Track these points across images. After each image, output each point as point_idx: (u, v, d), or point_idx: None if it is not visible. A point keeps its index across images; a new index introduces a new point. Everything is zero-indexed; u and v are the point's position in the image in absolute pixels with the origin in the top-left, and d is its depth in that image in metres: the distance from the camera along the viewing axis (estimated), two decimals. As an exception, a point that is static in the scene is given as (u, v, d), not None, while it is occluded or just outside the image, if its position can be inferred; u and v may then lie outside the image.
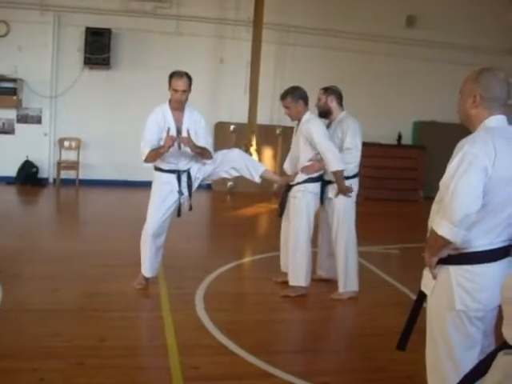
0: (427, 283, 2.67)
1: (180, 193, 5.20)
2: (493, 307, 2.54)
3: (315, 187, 5.38)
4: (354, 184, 5.44)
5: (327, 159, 5.18)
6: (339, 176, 5.24)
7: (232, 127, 12.31)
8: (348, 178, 5.34)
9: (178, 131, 5.12)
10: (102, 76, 11.91)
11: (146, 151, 5.05)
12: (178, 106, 5.13)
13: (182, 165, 5.22)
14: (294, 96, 5.37)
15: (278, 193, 12.37)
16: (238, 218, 9.34)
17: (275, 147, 12.62)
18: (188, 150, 5.11)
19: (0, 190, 10.99)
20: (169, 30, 11.97)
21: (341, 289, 5.40)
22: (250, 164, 5.49)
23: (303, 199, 5.35)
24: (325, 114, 5.55)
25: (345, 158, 5.28)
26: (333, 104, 5.50)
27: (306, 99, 5.41)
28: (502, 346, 1.98)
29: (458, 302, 2.53)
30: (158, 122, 5.12)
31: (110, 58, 11.68)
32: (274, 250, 6.97)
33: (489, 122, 2.56)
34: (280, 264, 5.76)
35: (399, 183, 12.02)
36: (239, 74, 11.99)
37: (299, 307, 5.20)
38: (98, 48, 11.46)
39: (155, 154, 5.05)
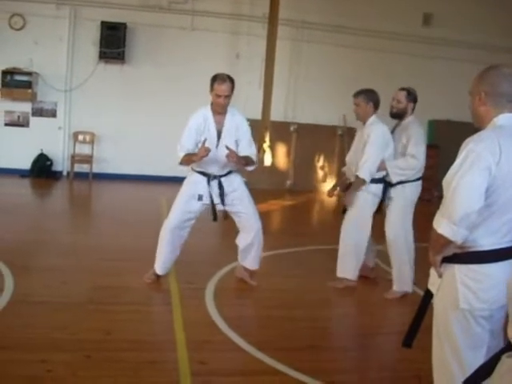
0: (434, 282, 2.65)
1: (200, 197, 5.15)
2: (499, 306, 2.49)
3: (376, 188, 5.40)
4: (416, 187, 5.44)
5: (363, 163, 5.29)
6: (357, 184, 5.34)
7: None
8: (409, 181, 5.37)
9: (219, 134, 5.10)
10: (116, 70, 11.92)
11: (181, 155, 5.05)
12: (220, 111, 5.08)
13: (214, 170, 5.15)
14: (368, 97, 5.44)
15: (291, 190, 12.42)
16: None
17: (289, 144, 12.58)
18: (223, 155, 5.04)
19: (14, 182, 11.04)
20: (184, 25, 11.96)
21: (395, 287, 5.43)
22: (252, 247, 5.40)
23: (361, 198, 5.39)
24: (399, 116, 5.51)
25: (407, 164, 5.32)
26: (409, 110, 5.48)
27: (376, 104, 5.47)
28: (506, 347, 1.94)
29: (462, 300, 2.50)
30: (198, 125, 5.07)
31: (125, 53, 11.68)
32: (285, 246, 6.98)
33: (498, 120, 2.52)
34: None
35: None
36: (254, 70, 11.94)
37: (309, 304, 5.16)
38: (113, 42, 11.46)
39: (188, 160, 5.04)
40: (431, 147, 12.76)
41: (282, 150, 12.59)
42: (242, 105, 12.23)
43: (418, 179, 5.43)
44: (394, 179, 5.37)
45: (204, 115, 5.09)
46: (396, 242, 5.41)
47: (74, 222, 8.56)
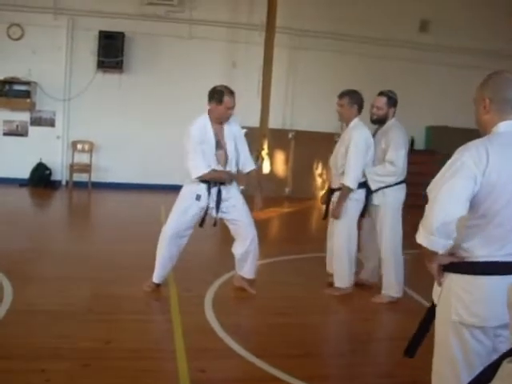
0: (436, 291, 2.62)
1: (198, 197, 5.14)
2: (502, 324, 2.35)
3: (357, 194, 5.39)
4: (397, 191, 5.44)
5: (347, 171, 5.30)
6: (345, 193, 5.33)
7: (244, 131, 12.22)
8: (390, 186, 5.37)
9: (218, 145, 5.14)
10: (115, 79, 11.95)
11: (204, 170, 5.05)
12: (225, 121, 5.17)
13: None
14: (352, 99, 5.42)
15: (290, 197, 12.44)
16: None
17: (287, 151, 12.59)
18: (229, 155, 5.19)
19: (13, 191, 11.05)
20: (182, 33, 12.00)
21: (383, 291, 5.45)
22: (248, 256, 5.39)
23: (345, 206, 5.39)
24: (380, 122, 5.50)
25: (385, 171, 5.34)
26: (390, 114, 5.46)
27: (360, 106, 5.45)
28: (507, 353, 1.92)
29: (453, 312, 2.46)
30: (200, 136, 5.08)
31: (123, 62, 11.72)
32: (284, 254, 7.00)
33: (497, 127, 2.46)
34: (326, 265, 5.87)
35: (411, 188, 11.87)
36: (252, 78, 11.96)
37: (307, 312, 5.18)
38: (112, 51, 11.49)
39: (217, 176, 5.13)
40: (428, 153, 12.84)
41: (280, 157, 12.60)
42: (239, 112, 12.29)
43: (399, 183, 5.42)
44: (372, 186, 5.38)
45: (203, 125, 5.12)
46: (385, 247, 5.42)
47: (73, 231, 8.57)
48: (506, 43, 12.47)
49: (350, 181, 5.28)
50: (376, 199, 5.42)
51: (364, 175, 5.37)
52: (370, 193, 5.44)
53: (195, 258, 6.23)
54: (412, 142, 12.91)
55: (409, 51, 12.60)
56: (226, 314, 4.88)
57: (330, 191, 5.63)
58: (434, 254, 2.47)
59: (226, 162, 5.18)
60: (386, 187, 5.37)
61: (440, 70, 12.72)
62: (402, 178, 5.42)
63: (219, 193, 5.19)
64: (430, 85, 12.78)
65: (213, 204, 5.19)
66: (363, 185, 5.40)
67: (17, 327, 4.22)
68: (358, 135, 5.33)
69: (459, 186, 2.35)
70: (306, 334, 4.63)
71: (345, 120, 5.52)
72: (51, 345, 3.92)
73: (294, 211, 11.18)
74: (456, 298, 2.46)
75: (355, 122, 5.44)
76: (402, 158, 5.32)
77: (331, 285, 5.66)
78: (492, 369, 1.98)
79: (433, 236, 2.38)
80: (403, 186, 5.48)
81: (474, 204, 2.39)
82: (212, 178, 5.11)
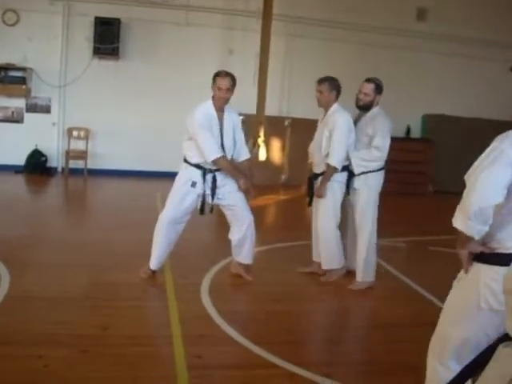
0: (461, 277, 2.63)
1: (193, 184, 5.15)
2: None
3: (340, 176, 5.44)
4: (378, 176, 5.49)
5: (332, 152, 5.33)
6: (330, 173, 5.37)
7: (241, 118, 12.25)
8: (372, 171, 5.42)
9: (220, 131, 5.16)
10: (111, 66, 11.91)
11: (217, 153, 5.04)
12: (221, 104, 5.15)
13: (211, 164, 5.15)
14: (331, 85, 5.47)
15: (286, 185, 12.47)
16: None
17: (283, 139, 12.59)
18: (227, 143, 5.19)
19: (8, 178, 11.04)
20: (178, 20, 11.95)
21: (359, 278, 5.45)
22: (245, 241, 5.40)
23: (328, 187, 5.42)
24: (365, 108, 5.51)
25: (371, 156, 5.37)
26: (375, 102, 5.48)
27: (339, 92, 5.51)
28: (503, 337, 1.95)
29: (482, 299, 2.46)
30: (207, 121, 5.07)
31: (119, 48, 11.68)
32: (280, 241, 7.02)
33: None
34: (312, 254, 5.84)
35: (408, 176, 11.94)
36: (248, 65, 11.93)
37: (303, 298, 5.20)
38: (107, 38, 11.44)
39: (232, 171, 5.18)
40: (425, 141, 12.86)
41: (276, 144, 12.60)
42: (236, 100, 12.28)
43: (380, 169, 5.48)
44: (356, 170, 5.41)
45: (207, 111, 5.12)
46: (364, 232, 5.44)
47: (69, 217, 8.57)
48: (503, 33, 12.46)
49: (336, 161, 5.32)
50: (357, 183, 5.46)
51: (347, 159, 5.41)
52: (351, 176, 5.47)
53: (191, 245, 6.24)
54: (408, 131, 12.96)
55: (406, 39, 12.58)
56: (223, 300, 4.90)
57: (314, 176, 5.63)
58: (468, 239, 2.48)
59: (223, 150, 5.17)
60: (369, 172, 5.41)
61: (437, 58, 12.70)
62: (382, 164, 5.48)
63: (214, 179, 5.20)
64: (426, 73, 12.77)
65: (209, 190, 5.20)
66: (345, 168, 5.45)
67: (14, 313, 4.22)
68: (341, 119, 5.38)
69: (498, 173, 2.36)
70: (303, 320, 4.66)
71: (324, 106, 5.57)
72: (49, 331, 3.93)
73: (289, 198, 11.20)
74: (485, 286, 2.46)
75: (335, 106, 5.49)
76: (388, 145, 5.38)
77: (313, 273, 5.73)
78: (488, 352, 2.02)
79: (470, 221, 2.40)
80: (383, 171, 5.54)
81: (510, 191, 2.40)
82: (229, 170, 5.16)
